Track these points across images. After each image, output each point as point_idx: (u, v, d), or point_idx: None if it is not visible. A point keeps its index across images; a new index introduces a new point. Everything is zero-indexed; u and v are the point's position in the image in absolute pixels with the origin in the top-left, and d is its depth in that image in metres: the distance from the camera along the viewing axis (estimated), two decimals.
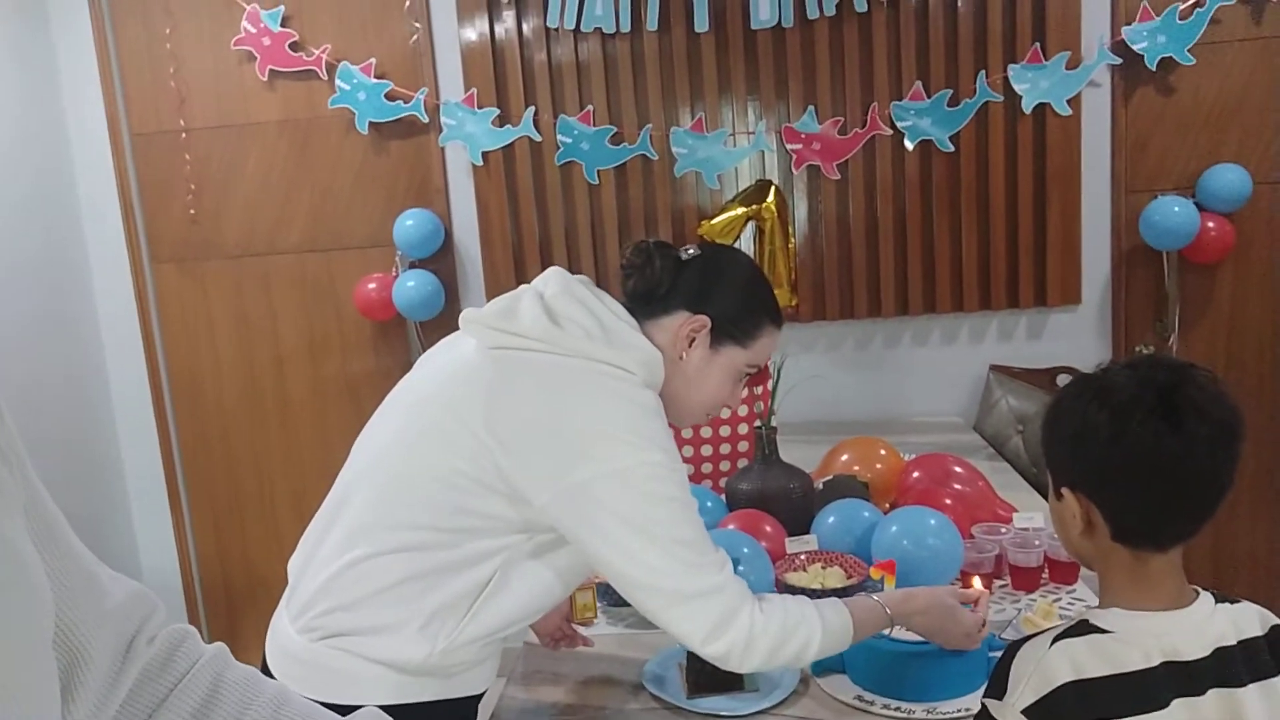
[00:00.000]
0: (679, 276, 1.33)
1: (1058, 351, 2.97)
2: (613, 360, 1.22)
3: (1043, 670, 0.98)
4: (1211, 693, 0.96)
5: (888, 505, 2.04)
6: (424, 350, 3.23)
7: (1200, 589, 1.02)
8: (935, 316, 3.02)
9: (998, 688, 1.02)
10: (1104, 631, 0.99)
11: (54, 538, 0.63)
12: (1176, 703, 0.95)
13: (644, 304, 1.33)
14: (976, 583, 1.49)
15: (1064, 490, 1.03)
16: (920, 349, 3.07)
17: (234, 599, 3.40)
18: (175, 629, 0.73)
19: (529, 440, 1.18)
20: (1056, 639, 1.00)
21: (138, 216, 3.18)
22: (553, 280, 1.32)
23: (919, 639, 1.38)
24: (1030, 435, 2.73)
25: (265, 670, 1.26)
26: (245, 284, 3.21)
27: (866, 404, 3.07)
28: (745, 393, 1.87)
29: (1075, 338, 2.99)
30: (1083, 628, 1.00)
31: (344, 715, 1.18)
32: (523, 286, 1.33)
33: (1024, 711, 0.98)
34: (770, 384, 1.95)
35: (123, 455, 3.33)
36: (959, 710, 1.34)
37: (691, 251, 1.35)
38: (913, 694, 1.37)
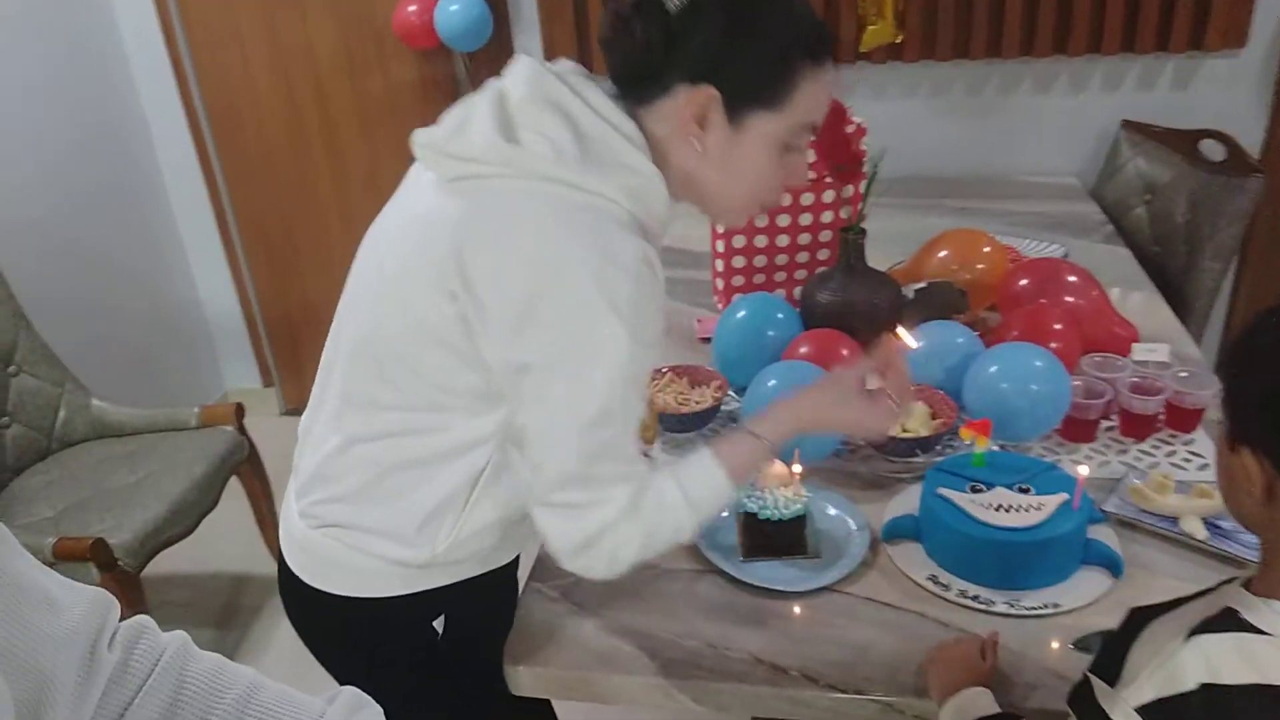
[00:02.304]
0: (673, 40, 0.99)
1: (1206, 108, 2.52)
2: (587, 185, 0.96)
3: (1172, 668, 0.80)
4: None
5: (984, 316, 1.81)
6: (472, 87, 2.91)
7: None
8: (1064, 59, 2.56)
9: (1109, 667, 0.85)
10: (1260, 632, 0.80)
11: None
12: None
13: (635, 87, 1.03)
14: (907, 340, 1.22)
15: (1243, 449, 0.80)
16: (1041, 97, 2.65)
17: (296, 331, 3.37)
18: (132, 624, 0.69)
19: (488, 297, 0.95)
20: (1195, 632, 0.81)
21: None
22: (520, 76, 1.02)
23: (1009, 524, 1.22)
24: (1157, 207, 2.39)
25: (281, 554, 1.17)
26: (275, 5, 2.86)
27: (972, 158, 2.71)
28: (811, 157, 1.49)
29: (1229, 91, 2.53)
30: (1229, 621, 0.81)
31: (352, 607, 1.12)
32: (488, 85, 1.04)
33: (1139, 709, 0.82)
34: (864, 185, 1.65)
35: (169, 195, 3.17)
36: (1043, 605, 1.19)
37: (677, 1, 0.98)
38: (994, 579, 1.23)
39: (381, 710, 0.75)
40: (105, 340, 2.86)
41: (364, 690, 0.74)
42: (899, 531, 1.32)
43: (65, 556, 1.95)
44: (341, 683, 1.13)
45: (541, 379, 0.97)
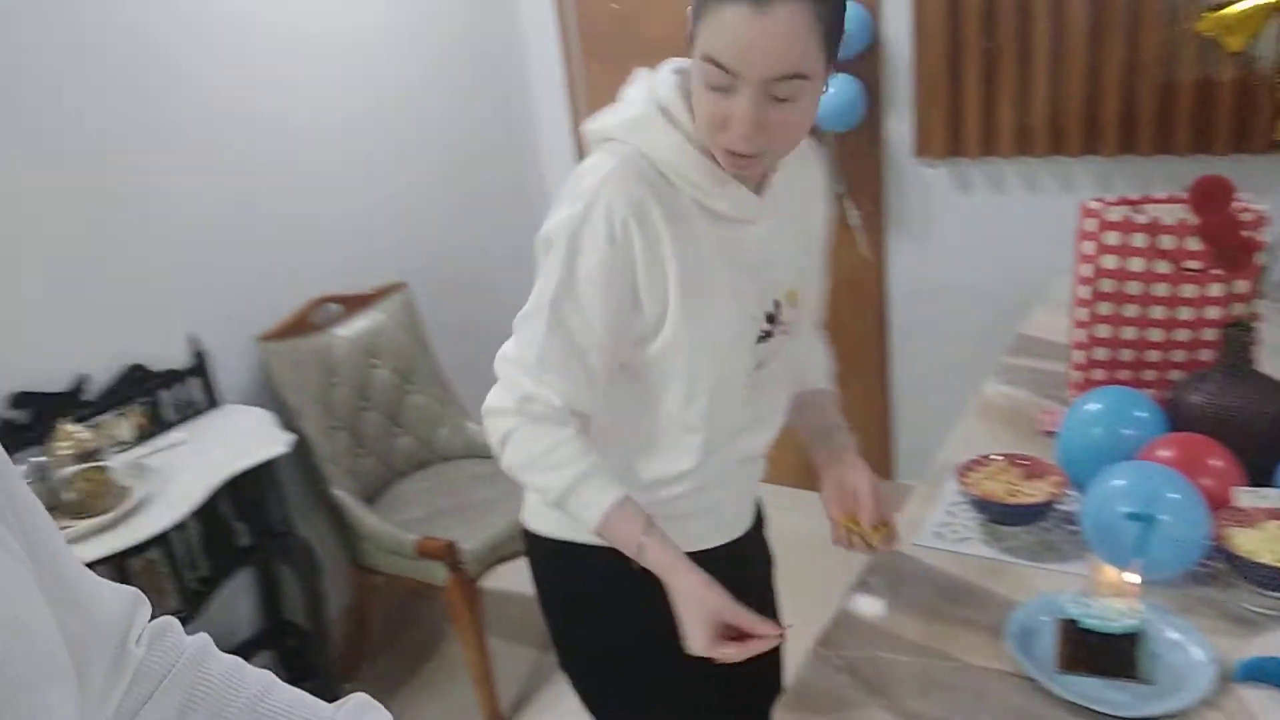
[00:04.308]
0: None
1: None
2: (607, 134, 1.17)
3: None
4: None
5: None
6: (836, 167, 2.96)
7: None
8: None
9: None
10: None
11: (53, 557, 0.61)
12: None
13: None
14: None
15: None
16: None
17: None
18: (156, 623, 0.70)
19: None
20: None
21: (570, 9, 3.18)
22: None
23: None
24: None
25: None
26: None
27: None
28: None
29: None
30: None
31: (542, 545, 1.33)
32: None
33: None
34: (1260, 267, 1.46)
35: None
36: None
37: None
38: None
39: (390, 715, 0.75)
40: (485, 363, 3.21)
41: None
42: (1263, 675, 1.12)
43: (424, 554, 2.21)
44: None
45: None
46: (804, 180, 1.30)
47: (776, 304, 1.26)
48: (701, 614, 1.12)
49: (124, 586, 0.69)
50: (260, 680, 0.72)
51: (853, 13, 2.63)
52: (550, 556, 1.35)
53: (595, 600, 1.33)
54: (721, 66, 1.03)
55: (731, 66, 1.03)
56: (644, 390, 1.24)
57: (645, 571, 1.18)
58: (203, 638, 0.72)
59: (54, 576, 0.59)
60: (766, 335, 1.26)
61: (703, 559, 1.31)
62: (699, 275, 1.16)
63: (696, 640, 1.13)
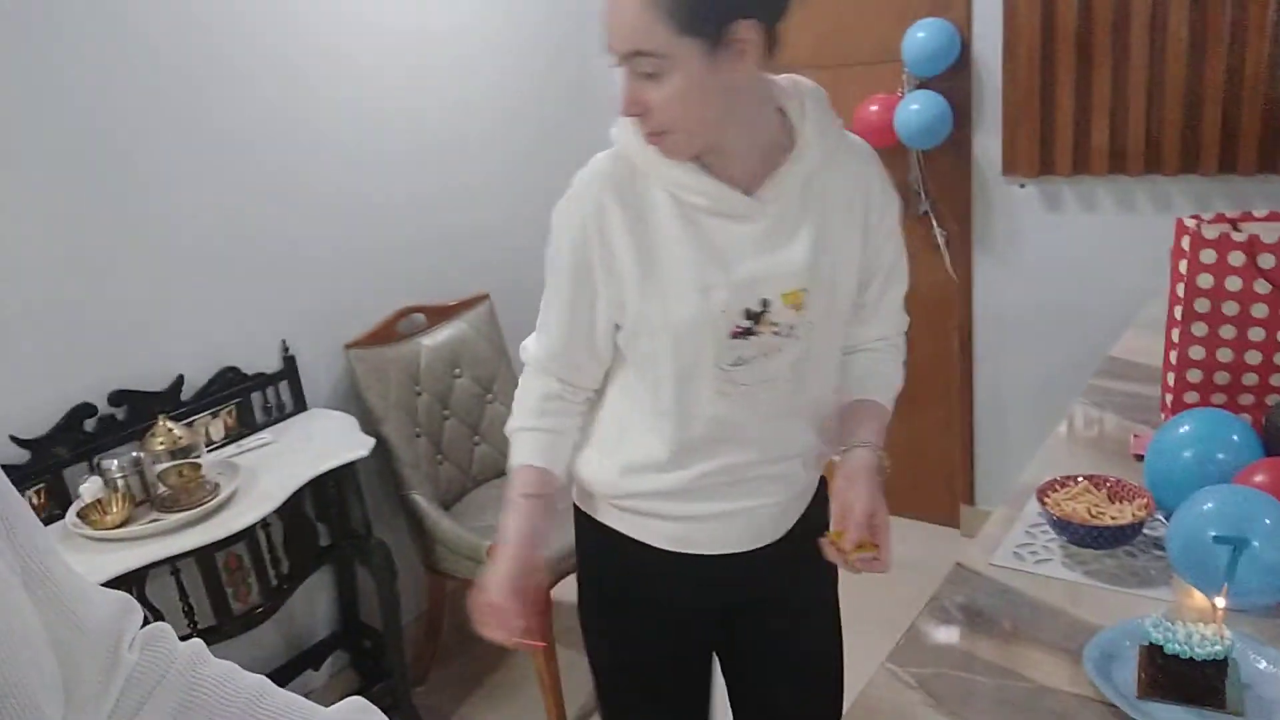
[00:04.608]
0: None
1: None
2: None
3: None
4: None
5: None
6: (923, 185, 2.93)
7: None
8: None
9: None
10: None
11: (42, 561, 0.62)
12: None
13: None
14: None
15: None
16: None
17: None
18: (149, 630, 0.70)
19: None
20: None
21: None
22: None
23: None
24: None
25: None
26: None
27: None
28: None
29: None
30: None
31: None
32: None
33: None
34: None
35: None
36: None
37: None
38: None
39: (385, 716, 0.75)
40: None
41: None
42: None
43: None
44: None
45: None
46: (842, 183, 1.27)
47: (764, 303, 1.23)
48: (487, 592, 1.28)
49: (114, 592, 0.69)
50: (255, 685, 0.71)
51: (940, 28, 2.60)
52: (594, 534, 1.43)
53: (635, 588, 1.39)
54: (610, 48, 1.14)
55: (605, 43, 1.13)
56: (625, 372, 1.33)
57: (682, 568, 1.31)
58: (196, 644, 0.72)
59: (43, 581, 0.60)
60: (746, 332, 1.24)
61: (710, 563, 1.39)
62: (655, 264, 1.22)
63: (472, 608, 1.29)
